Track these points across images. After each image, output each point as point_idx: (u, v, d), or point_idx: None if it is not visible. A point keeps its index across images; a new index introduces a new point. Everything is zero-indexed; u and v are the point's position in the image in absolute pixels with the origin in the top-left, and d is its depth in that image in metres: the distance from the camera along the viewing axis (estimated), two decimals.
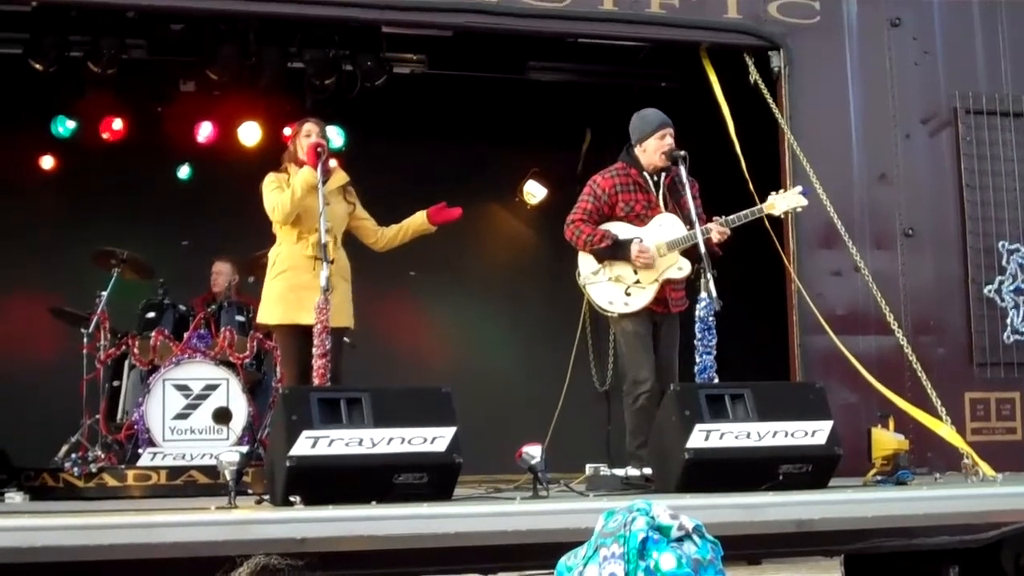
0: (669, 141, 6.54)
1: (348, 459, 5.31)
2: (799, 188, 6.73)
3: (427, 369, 9.94)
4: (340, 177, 6.74)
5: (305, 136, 6.66)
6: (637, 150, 6.60)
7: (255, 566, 2.98)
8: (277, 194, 6.51)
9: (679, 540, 2.26)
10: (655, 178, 6.58)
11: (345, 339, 6.82)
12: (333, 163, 9.38)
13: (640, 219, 6.53)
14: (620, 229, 6.50)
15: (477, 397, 8.45)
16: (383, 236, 6.88)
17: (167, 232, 9.98)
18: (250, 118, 10.15)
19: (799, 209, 6.71)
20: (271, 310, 6.57)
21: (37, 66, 8.74)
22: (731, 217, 6.48)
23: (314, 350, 6.18)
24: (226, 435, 7.45)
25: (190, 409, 7.57)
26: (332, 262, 6.28)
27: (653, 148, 6.53)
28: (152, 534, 4.71)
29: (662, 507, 2.31)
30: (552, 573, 2.55)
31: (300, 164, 6.61)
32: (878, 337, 7.53)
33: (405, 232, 6.93)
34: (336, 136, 10.21)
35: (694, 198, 6.50)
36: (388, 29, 8.62)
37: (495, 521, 5.13)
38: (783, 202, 6.60)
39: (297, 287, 6.45)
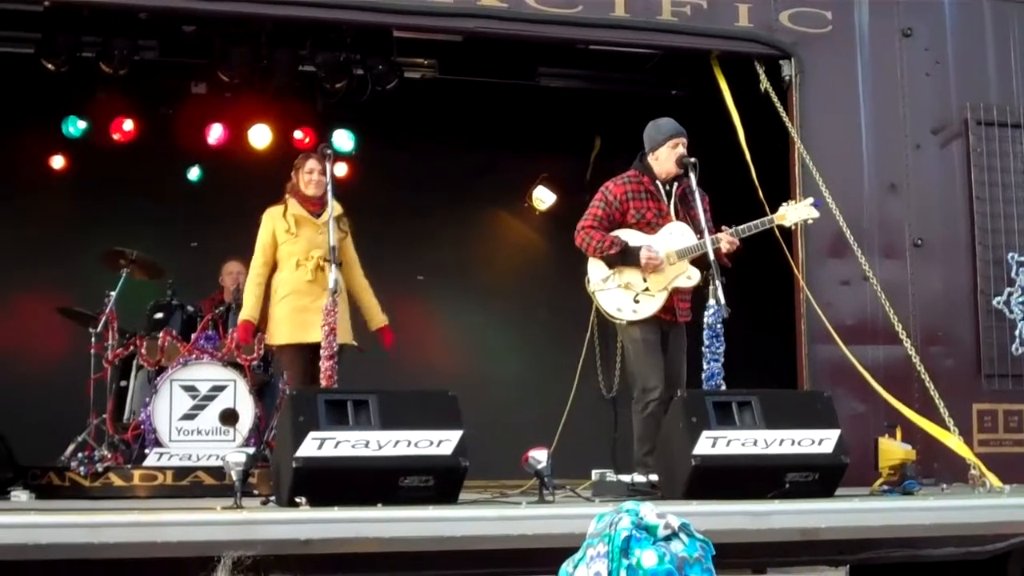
0: (681, 150, 6.54)
1: (354, 461, 5.32)
2: (810, 200, 6.72)
3: (434, 373, 9.93)
4: (335, 208, 6.88)
5: (307, 172, 7.00)
6: (650, 158, 6.60)
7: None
8: (257, 253, 7.03)
9: (666, 539, 2.28)
10: (667, 187, 6.59)
11: (353, 342, 6.94)
12: (342, 168, 9.48)
13: (651, 227, 6.53)
14: (630, 236, 6.49)
15: (484, 401, 8.44)
16: (355, 286, 7.14)
17: (176, 233, 10.00)
18: (261, 120, 10.16)
19: (810, 221, 6.70)
20: (278, 331, 6.96)
21: (49, 66, 8.76)
22: (741, 227, 6.48)
23: (322, 352, 6.31)
24: (233, 436, 7.45)
25: (197, 410, 7.57)
26: (341, 264, 6.49)
27: (665, 156, 6.54)
28: (157, 533, 4.72)
29: (649, 507, 2.33)
30: None
31: (300, 196, 7.04)
32: (886, 347, 7.51)
33: (361, 306, 7.19)
34: (346, 140, 10.25)
35: (704, 211, 6.49)
36: (399, 33, 8.64)
37: (500, 525, 5.14)
38: (794, 213, 6.59)
39: (299, 309, 6.85)
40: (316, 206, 6.99)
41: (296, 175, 7.09)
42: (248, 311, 7.01)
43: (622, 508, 2.35)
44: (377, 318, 7.23)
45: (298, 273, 6.88)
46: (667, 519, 2.31)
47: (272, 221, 7.01)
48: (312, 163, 7.07)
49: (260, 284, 7.00)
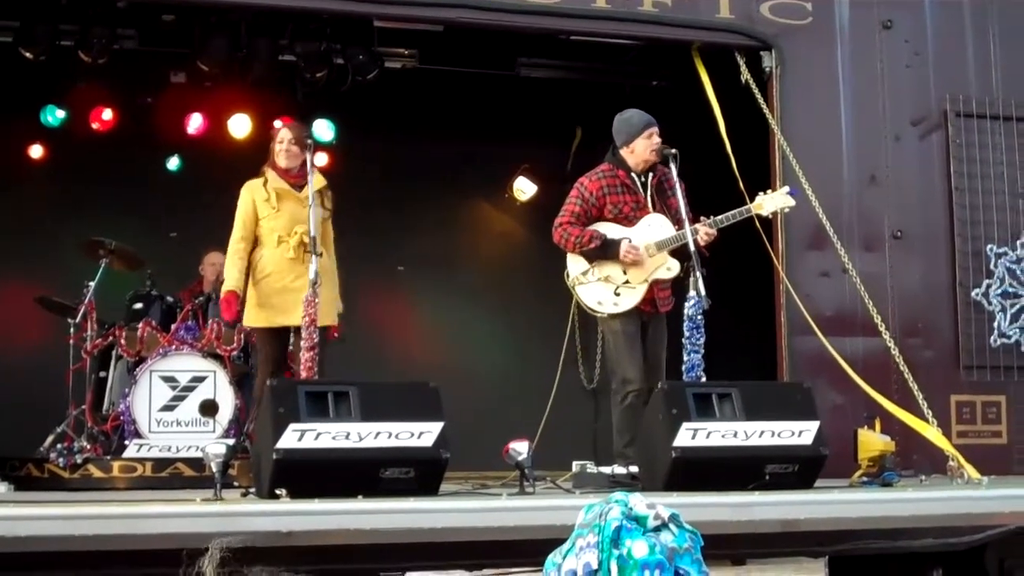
0: (657, 139, 6.54)
1: (335, 453, 5.31)
2: (786, 188, 6.74)
3: (415, 364, 9.93)
4: (318, 181, 6.75)
5: (279, 142, 6.76)
6: (624, 151, 6.58)
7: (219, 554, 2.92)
8: (237, 227, 6.75)
9: (656, 530, 2.29)
10: (642, 179, 6.58)
11: (334, 333, 6.90)
12: (323, 158, 9.42)
13: (628, 220, 6.52)
14: (608, 230, 6.49)
15: (465, 393, 8.45)
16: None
17: (155, 223, 9.95)
18: (240, 110, 10.12)
19: (787, 209, 6.72)
20: (255, 314, 6.74)
21: (28, 54, 8.71)
22: (719, 218, 6.48)
23: (302, 343, 6.26)
24: (212, 427, 7.44)
25: (177, 401, 7.55)
26: (321, 255, 6.40)
27: (643, 148, 6.52)
28: (137, 525, 4.71)
29: (639, 498, 2.34)
30: (538, 570, 2.56)
31: (276, 169, 6.78)
32: (865, 339, 7.53)
33: None
34: (326, 130, 10.22)
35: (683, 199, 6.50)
36: (380, 23, 8.63)
37: (481, 517, 5.13)
38: (771, 202, 6.60)
39: (279, 291, 6.64)
40: (296, 178, 6.73)
41: (271, 145, 6.85)
42: (232, 282, 6.68)
43: (611, 499, 2.35)
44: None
45: (279, 250, 6.63)
46: (657, 510, 2.32)
47: (251, 193, 6.74)
48: (285, 132, 6.81)
49: (242, 258, 6.69)
